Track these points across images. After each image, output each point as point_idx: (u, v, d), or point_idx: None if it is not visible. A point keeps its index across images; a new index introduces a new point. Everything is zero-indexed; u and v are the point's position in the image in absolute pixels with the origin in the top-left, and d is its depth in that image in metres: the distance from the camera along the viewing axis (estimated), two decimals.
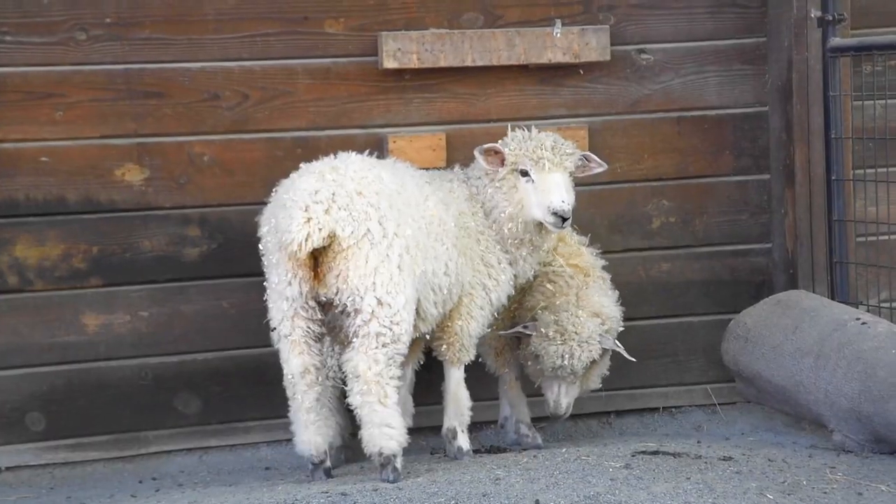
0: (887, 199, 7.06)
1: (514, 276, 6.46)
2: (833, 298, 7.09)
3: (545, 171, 6.26)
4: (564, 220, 6.20)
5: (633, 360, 6.62)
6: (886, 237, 7.19)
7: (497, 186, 6.34)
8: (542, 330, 6.46)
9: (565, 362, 6.44)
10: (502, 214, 6.35)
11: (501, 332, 6.63)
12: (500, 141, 6.40)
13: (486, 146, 6.35)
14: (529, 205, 6.29)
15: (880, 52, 7.13)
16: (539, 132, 6.38)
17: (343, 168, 5.96)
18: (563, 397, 6.53)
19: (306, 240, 5.74)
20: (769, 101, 7.29)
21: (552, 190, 6.23)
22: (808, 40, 7.17)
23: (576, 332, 6.44)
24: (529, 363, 6.58)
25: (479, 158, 6.35)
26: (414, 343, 6.33)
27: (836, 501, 5.65)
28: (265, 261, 6.01)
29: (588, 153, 6.44)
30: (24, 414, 6.55)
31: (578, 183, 6.42)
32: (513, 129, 6.41)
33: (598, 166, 6.41)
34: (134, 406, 6.65)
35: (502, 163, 6.34)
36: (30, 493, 6.46)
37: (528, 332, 6.51)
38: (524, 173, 6.29)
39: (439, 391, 6.49)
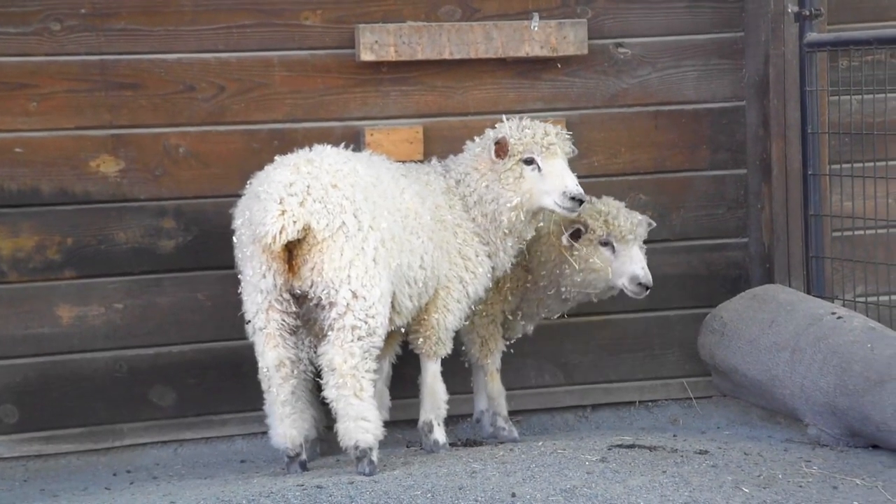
0: (863, 194, 7.08)
1: (492, 268, 6.45)
2: (809, 293, 7.10)
3: (555, 158, 6.24)
4: (581, 202, 6.19)
5: (654, 224, 6.68)
6: (862, 232, 7.21)
7: (499, 178, 6.29)
8: (592, 218, 6.48)
9: (635, 217, 6.53)
10: (507, 205, 6.28)
11: (564, 240, 6.51)
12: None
13: (498, 137, 6.28)
14: (538, 193, 6.23)
15: (857, 48, 7.14)
16: (531, 121, 6.35)
17: (318, 160, 5.94)
18: (644, 262, 6.51)
19: (280, 232, 5.72)
20: (746, 96, 7.30)
21: (564, 175, 6.21)
22: (785, 35, 7.18)
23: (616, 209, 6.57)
24: (594, 260, 6.48)
25: (492, 148, 6.28)
26: (391, 336, 6.32)
27: (811, 495, 5.66)
28: (239, 253, 5.99)
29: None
30: None
31: None
32: (508, 119, 6.35)
33: (571, 153, 6.40)
34: (108, 398, 6.62)
35: (500, 154, 6.29)
36: (3, 485, 6.42)
37: (584, 228, 6.50)
38: (529, 161, 6.26)
39: (416, 384, 6.48)
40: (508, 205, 6.28)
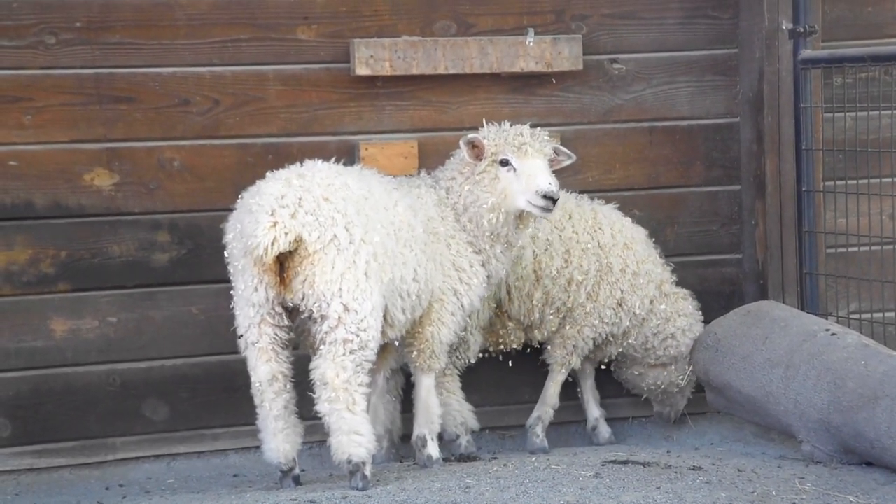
0: (857, 211, 7.09)
1: (488, 277, 6.44)
2: (803, 309, 7.10)
3: (527, 157, 6.22)
4: (554, 201, 6.16)
5: None
6: (856, 248, 7.22)
7: (476, 180, 6.29)
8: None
9: None
10: (483, 206, 6.28)
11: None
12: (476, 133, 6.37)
13: (470, 137, 6.29)
14: (513, 194, 6.23)
15: (851, 65, 7.15)
16: (511, 125, 6.36)
17: (310, 174, 5.94)
18: None
19: (272, 244, 5.71)
20: (740, 112, 7.31)
21: (536, 174, 6.20)
22: (780, 52, 7.20)
23: None
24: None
25: (464, 149, 6.31)
26: (385, 350, 6.31)
27: None
28: (231, 268, 5.98)
29: (557, 145, 6.42)
30: None
31: None
32: (487, 123, 6.38)
33: (567, 158, 6.40)
34: (101, 412, 6.60)
35: (479, 157, 6.30)
36: None
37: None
38: (504, 163, 6.25)
39: (410, 399, 6.47)
40: (485, 206, 6.29)
